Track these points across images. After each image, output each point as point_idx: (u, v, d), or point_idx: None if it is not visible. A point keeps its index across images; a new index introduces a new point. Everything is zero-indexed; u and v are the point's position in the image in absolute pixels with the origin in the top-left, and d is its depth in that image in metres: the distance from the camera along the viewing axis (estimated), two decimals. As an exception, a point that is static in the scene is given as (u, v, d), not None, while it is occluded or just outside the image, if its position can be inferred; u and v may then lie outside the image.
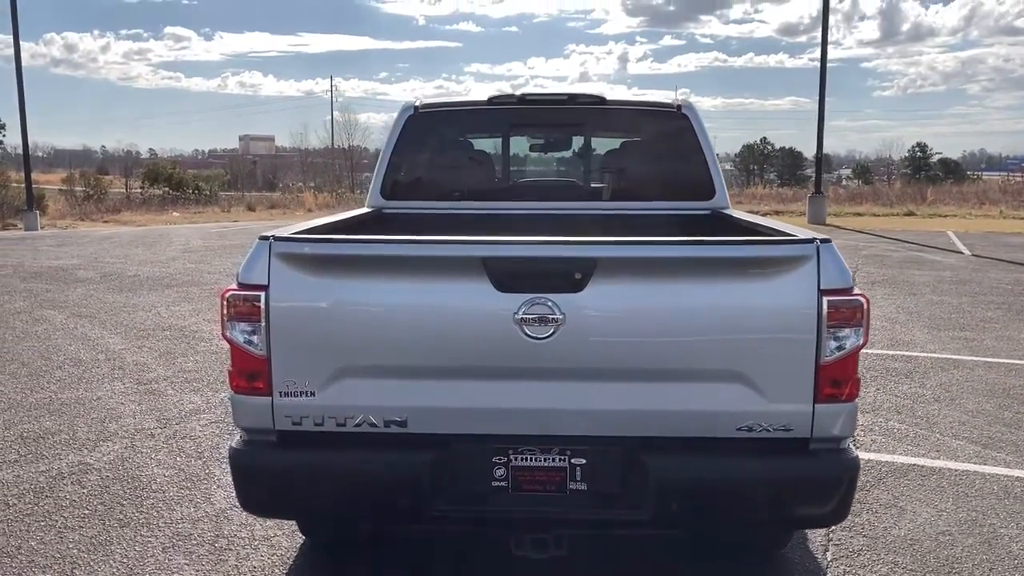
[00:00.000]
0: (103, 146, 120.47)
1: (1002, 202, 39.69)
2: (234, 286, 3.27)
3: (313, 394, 3.26)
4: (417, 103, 5.88)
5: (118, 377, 8.12)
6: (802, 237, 3.30)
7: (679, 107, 5.74)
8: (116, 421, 6.74)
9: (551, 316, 3.13)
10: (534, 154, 6.91)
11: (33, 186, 32.76)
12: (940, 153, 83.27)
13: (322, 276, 3.27)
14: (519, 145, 6.58)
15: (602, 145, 6.51)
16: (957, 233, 24.98)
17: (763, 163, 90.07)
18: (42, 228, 29.68)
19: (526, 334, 3.14)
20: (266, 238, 3.27)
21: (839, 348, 3.18)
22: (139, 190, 58.21)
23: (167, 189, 55.89)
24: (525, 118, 6.02)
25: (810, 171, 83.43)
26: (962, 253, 19.42)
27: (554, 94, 5.86)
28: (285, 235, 3.36)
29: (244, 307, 3.23)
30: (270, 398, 3.27)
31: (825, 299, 3.13)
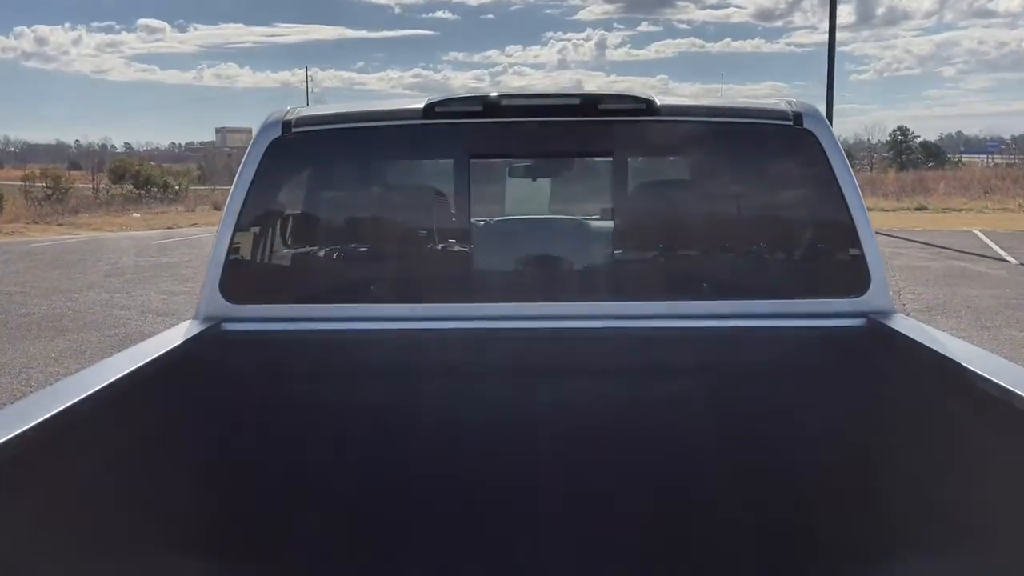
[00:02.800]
0: (77, 141, 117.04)
1: (1012, 192, 37.71)
2: None
3: None
4: (289, 116, 3.26)
5: None
6: None
7: (797, 116, 3.15)
8: None
9: None
10: (518, 197, 4.22)
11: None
12: (920, 136, 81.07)
13: None
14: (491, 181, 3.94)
15: (645, 190, 3.72)
16: (985, 232, 22.73)
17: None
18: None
19: None
20: None
21: None
22: (104, 188, 55.52)
23: (131, 187, 53.34)
24: (496, 143, 3.34)
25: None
26: (1008, 261, 17.16)
27: (554, 95, 3.23)
28: None
29: None
30: None
31: None
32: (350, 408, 3.07)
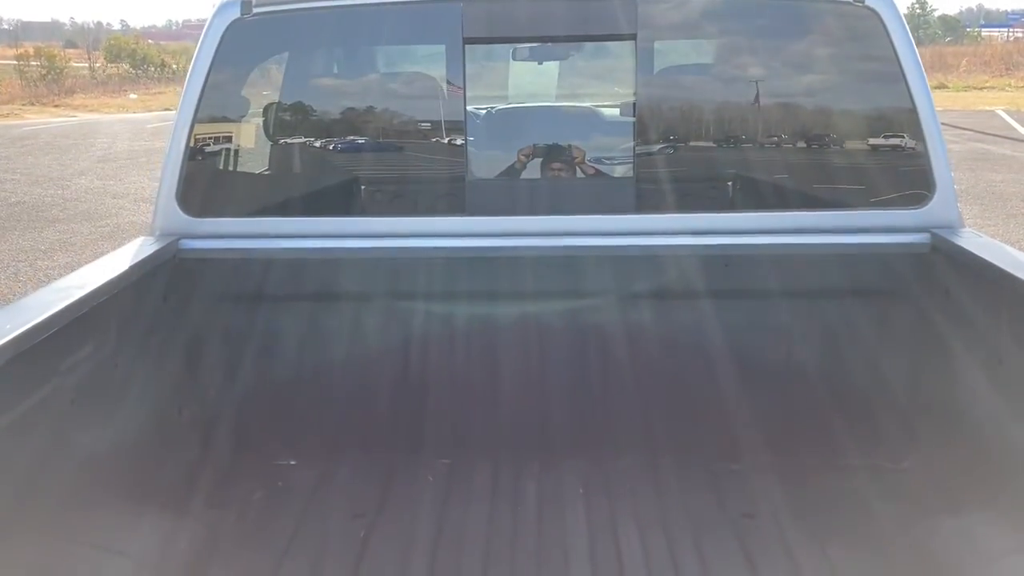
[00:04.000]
0: (72, 18, 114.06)
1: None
2: None
3: None
4: None
5: None
6: None
7: None
8: None
9: None
10: (520, 85, 3.72)
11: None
12: (938, 10, 78.07)
13: None
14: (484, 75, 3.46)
15: (674, 79, 3.14)
16: (1008, 112, 21.95)
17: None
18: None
19: None
20: None
21: None
22: (100, 67, 54.46)
23: (128, 67, 52.28)
24: (495, 24, 2.82)
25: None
26: (1033, 143, 16.45)
27: None
28: None
29: None
30: None
31: None
32: (323, 336, 2.72)
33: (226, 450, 2.76)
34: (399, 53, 3.30)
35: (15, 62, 53.64)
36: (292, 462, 2.82)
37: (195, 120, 2.72)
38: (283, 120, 3.01)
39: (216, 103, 2.77)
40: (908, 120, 2.68)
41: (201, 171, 2.80)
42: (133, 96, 39.09)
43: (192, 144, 2.74)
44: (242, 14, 2.73)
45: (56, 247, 9.49)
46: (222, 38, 2.71)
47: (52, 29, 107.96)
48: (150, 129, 22.20)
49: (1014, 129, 18.83)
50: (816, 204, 2.74)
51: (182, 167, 2.73)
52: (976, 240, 2.52)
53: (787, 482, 2.67)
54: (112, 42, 63.15)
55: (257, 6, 2.73)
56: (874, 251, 2.64)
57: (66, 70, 49.21)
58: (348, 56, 3.05)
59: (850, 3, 2.68)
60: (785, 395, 2.73)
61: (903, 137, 2.74)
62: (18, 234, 10.09)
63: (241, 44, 2.75)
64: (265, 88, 3.03)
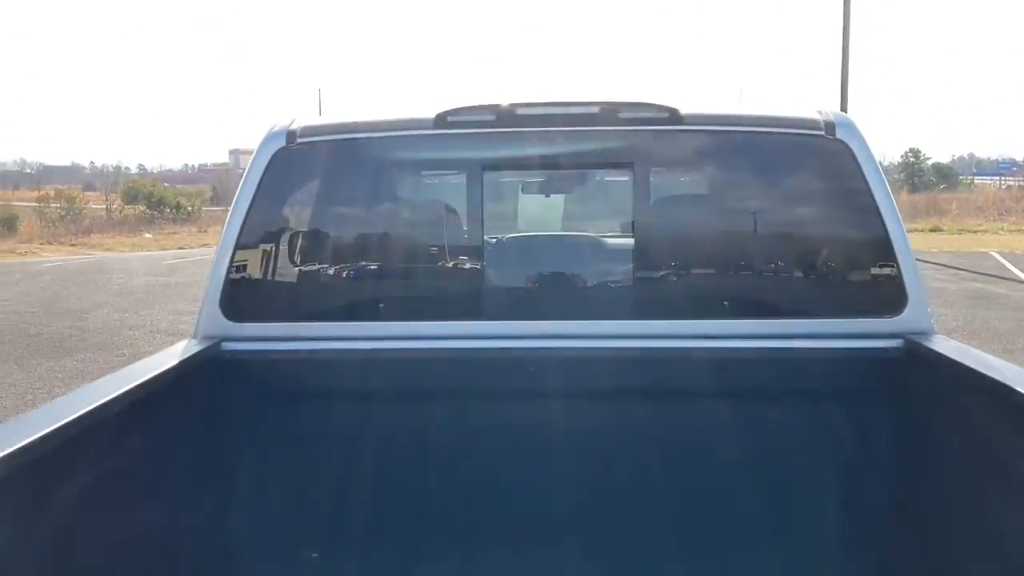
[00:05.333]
0: (91, 162, 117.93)
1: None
2: None
3: None
4: (294, 125, 3.11)
5: None
6: None
7: (829, 126, 3.00)
8: None
9: None
10: (531, 213, 4.05)
11: (9, 204, 30.30)
12: (931, 158, 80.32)
13: None
14: (502, 193, 3.79)
15: (667, 204, 3.53)
16: (1003, 254, 22.46)
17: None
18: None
19: None
20: None
21: None
22: (117, 208, 56.02)
23: (144, 208, 53.79)
24: (510, 154, 3.21)
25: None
26: (1026, 283, 16.81)
27: (572, 103, 3.06)
28: None
29: None
30: None
31: None
32: (355, 432, 2.93)
33: (252, 540, 2.91)
34: (425, 180, 3.65)
35: (36, 204, 55.24)
36: (315, 555, 2.97)
37: (240, 235, 3.01)
38: (320, 236, 3.31)
39: (258, 221, 3.06)
40: (880, 238, 2.94)
41: (242, 281, 3.07)
42: (148, 236, 40.09)
43: (235, 258, 3.02)
44: (287, 143, 3.07)
45: (73, 375, 9.73)
46: (268, 164, 3.04)
47: (72, 172, 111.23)
48: (165, 265, 22.80)
49: (1008, 269, 19.27)
50: (804, 314, 2.99)
51: (226, 277, 3.00)
52: (946, 344, 2.76)
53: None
54: (130, 184, 65.10)
55: (301, 136, 3.07)
56: (853, 355, 2.87)
57: (84, 211, 50.71)
58: (380, 181, 3.37)
59: (823, 136, 3.00)
60: (770, 491, 2.90)
61: (877, 254, 2.99)
62: (36, 363, 10.34)
63: (284, 170, 3.07)
64: (303, 207, 3.33)
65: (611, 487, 2.93)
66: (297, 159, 3.09)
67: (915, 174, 75.27)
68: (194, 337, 2.98)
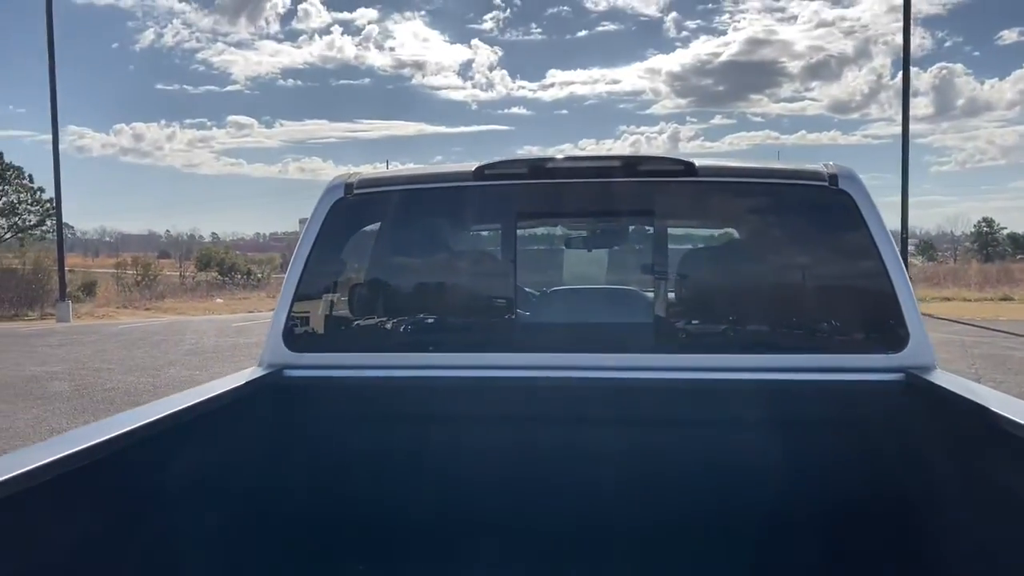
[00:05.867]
0: (167, 230, 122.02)
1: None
2: None
3: None
4: (351, 179, 3.46)
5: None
6: None
7: (833, 177, 3.23)
8: None
9: None
10: (565, 257, 4.36)
11: (89, 270, 31.61)
12: (1007, 228, 78.67)
13: None
14: (536, 242, 4.10)
15: (686, 250, 3.83)
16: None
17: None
18: (76, 319, 28.44)
19: None
20: None
21: None
22: (190, 275, 57.85)
23: (216, 274, 55.42)
24: (540, 203, 3.53)
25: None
26: (1096, 351, 16.41)
27: (597, 158, 3.42)
28: None
29: None
30: None
31: None
32: (399, 450, 3.20)
33: (304, 554, 3.19)
34: (465, 226, 3.98)
35: (114, 270, 57.30)
36: (361, 567, 3.23)
37: (302, 276, 3.35)
38: (372, 277, 3.66)
39: (318, 263, 3.40)
40: (883, 280, 3.13)
41: (302, 316, 3.41)
42: (219, 300, 41.29)
43: (297, 296, 3.36)
44: (345, 194, 3.43)
45: (145, 426, 10.18)
46: (328, 212, 3.40)
47: (149, 240, 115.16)
48: (235, 327, 23.55)
49: (1077, 338, 18.85)
50: (813, 350, 3.20)
51: (288, 313, 3.34)
52: (944, 377, 2.94)
53: None
54: (203, 252, 67.18)
55: (357, 188, 3.43)
56: (858, 387, 3.06)
57: (159, 277, 52.48)
58: (425, 228, 3.70)
59: (827, 186, 3.24)
60: (781, 507, 3.07)
61: (879, 295, 3.17)
62: (112, 412, 10.83)
63: (342, 218, 3.42)
64: (358, 251, 3.68)
65: (623, 501, 3.12)
66: (353, 208, 3.44)
67: (988, 243, 73.92)
68: (259, 365, 3.32)
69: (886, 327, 3.15)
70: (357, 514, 3.22)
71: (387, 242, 3.68)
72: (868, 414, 3.06)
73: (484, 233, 3.95)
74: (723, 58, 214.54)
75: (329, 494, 3.23)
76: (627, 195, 3.35)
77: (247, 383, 3.00)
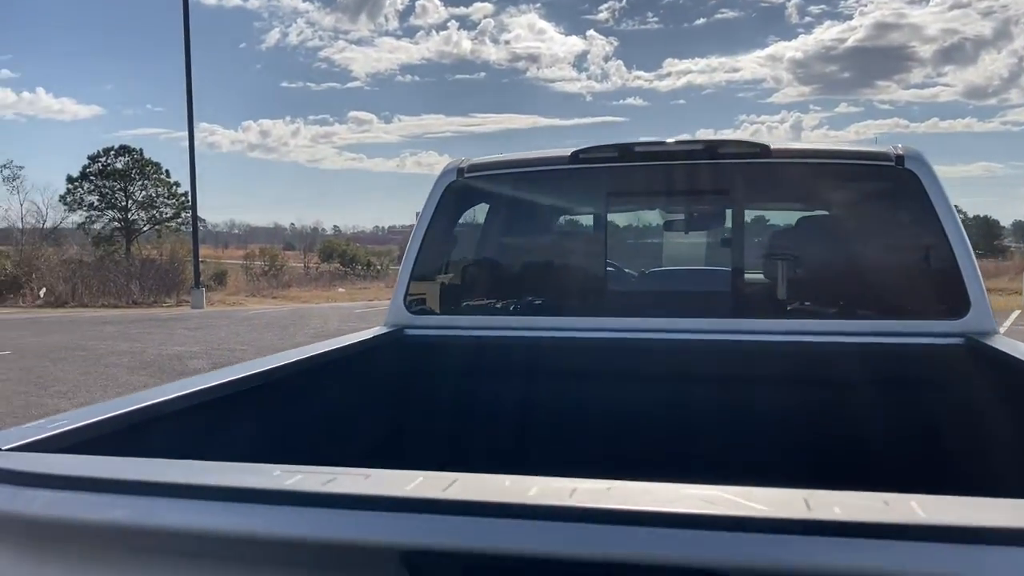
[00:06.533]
0: (292, 223, 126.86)
1: None
2: None
3: None
4: (462, 164, 3.92)
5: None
6: None
7: (900, 158, 3.46)
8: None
9: None
10: (649, 238, 4.73)
11: (219, 261, 33.55)
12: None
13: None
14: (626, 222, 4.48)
15: (765, 224, 4.20)
16: None
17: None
18: (208, 305, 30.21)
19: None
20: None
21: None
22: (313, 266, 60.07)
23: (338, 265, 57.44)
24: (630, 182, 3.90)
25: (1008, 241, 74.80)
26: None
27: (680, 142, 3.69)
28: None
29: None
30: None
31: None
32: (500, 399, 3.64)
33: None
34: (562, 204, 4.39)
35: (242, 261, 60.07)
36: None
37: (420, 248, 3.83)
38: (481, 250, 4.13)
39: (434, 237, 3.87)
40: (946, 252, 3.35)
41: (421, 284, 3.89)
42: (341, 290, 42.98)
43: (416, 266, 3.85)
44: (457, 177, 3.89)
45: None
46: (443, 193, 3.87)
47: (274, 233, 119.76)
48: (356, 314, 24.64)
49: None
50: (884, 316, 3.44)
51: (409, 281, 3.83)
52: (1002, 341, 3.17)
53: None
54: (325, 244, 69.61)
55: (468, 172, 3.88)
56: (926, 349, 3.30)
57: (284, 267, 54.86)
58: (527, 206, 4.13)
59: (893, 166, 3.47)
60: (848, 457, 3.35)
61: (943, 266, 3.39)
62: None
63: (454, 198, 3.89)
64: (469, 226, 4.14)
65: (708, 435, 3.44)
66: (464, 190, 3.90)
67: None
68: (384, 325, 3.82)
69: (948, 296, 3.38)
70: (459, 448, 3.67)
71: (493, 220, 4.13)
72: (932, 374, 3.31)
73: (579, 211, 4.35)
74: (849, 43, 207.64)
75: (437, 431, 3.69)
76: (707, 176, 3.69)
77: (374, 337, 3.50)
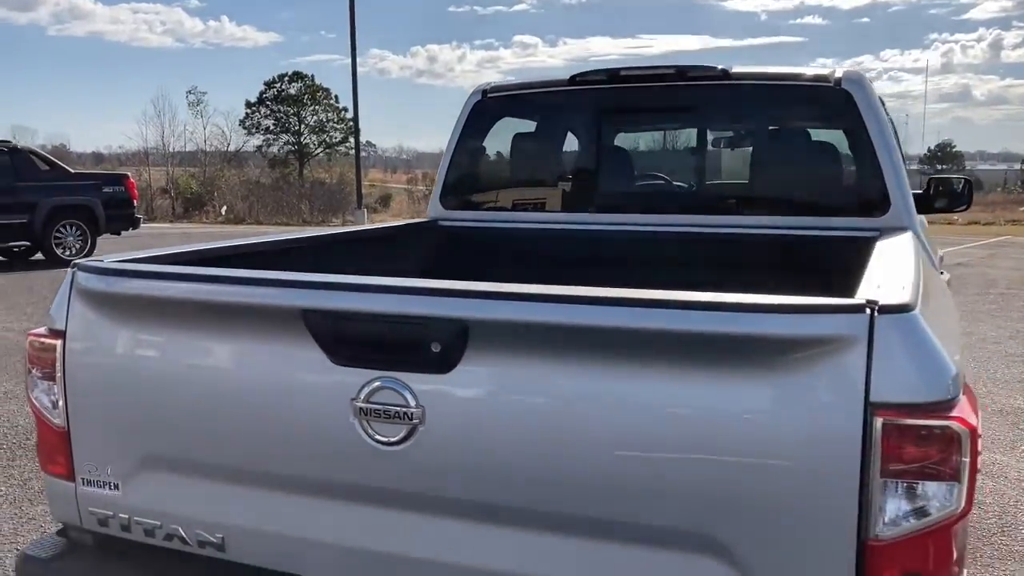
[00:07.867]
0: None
1: None
2: (41, 329, 2.51)
3: (117, 487, 2.41)
4: (487, 86, 4.86)
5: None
6: (846, 302, 1.73)
7: (838, 81, 4.07)
8: None
9: (403, 409, 1.95)
10: (636, 149, 5.62)
11: (386, 185, 35.41)
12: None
13: (125, 324, 2.35)
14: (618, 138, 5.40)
15: (725, 139, 5.07)
16: None
17: None
18: (369, 224, 32.28)
19: (369, 434, 1.99)
20: (75, 266, 2.46)
21: (912, 514, 1.72)
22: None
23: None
24: (617, 101, 4.73)
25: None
26: None
27: (657, 67, 4.48)
28: (94, 263, 2.41)
29: (41, 359, 2.44)
30: (73, 484, 2.46)
31: (879, 420, 1.68)
32: (509, 269, 4.51)
33: None
34: (564, 119, 5.16)
35: (406, 185, 62.52)
36: None
37: (453, 156, 4.81)
38: (502, 157, 5.14)
39: (464, 148, 4.85)
40: (872, 159, 3.93)
41: (454, 187, 4.85)
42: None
43: (449, 171, 4.83)
44: (482, 98, 4.78)
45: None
46: (471, 111, 4.79)
47: (440, 159, 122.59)
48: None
49: None
50: (816, 213, 4.06)
51: (444, 184, 4.84)
52: (907, 234, 3.64)
53: None
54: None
55: (490, 93, 4.77)
56: (847, 239, 3.82)
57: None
58: (537, 120, 5.10)
59: (831, 87, 4.03)
60: None
61: (869, 170, 3.98)
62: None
63: (480, 115, 4.81)
64: (491, 139, 5.06)
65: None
66: (488, 107, 4.81)
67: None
68: (425, 218, 4.89)
69: (872, 198, 3.98)
70: None
71: (511, 131, 5.05)
72: (846, 259, 3.67)
73: (578, 126, 5.19)
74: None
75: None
76: (677, 96, 4.48)
77: (415, 224, 4.62)
